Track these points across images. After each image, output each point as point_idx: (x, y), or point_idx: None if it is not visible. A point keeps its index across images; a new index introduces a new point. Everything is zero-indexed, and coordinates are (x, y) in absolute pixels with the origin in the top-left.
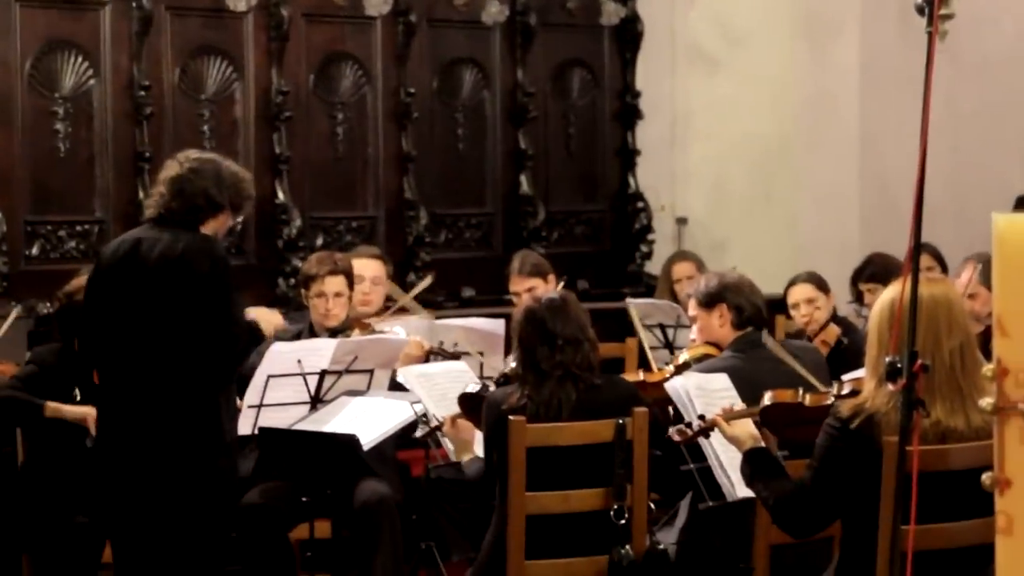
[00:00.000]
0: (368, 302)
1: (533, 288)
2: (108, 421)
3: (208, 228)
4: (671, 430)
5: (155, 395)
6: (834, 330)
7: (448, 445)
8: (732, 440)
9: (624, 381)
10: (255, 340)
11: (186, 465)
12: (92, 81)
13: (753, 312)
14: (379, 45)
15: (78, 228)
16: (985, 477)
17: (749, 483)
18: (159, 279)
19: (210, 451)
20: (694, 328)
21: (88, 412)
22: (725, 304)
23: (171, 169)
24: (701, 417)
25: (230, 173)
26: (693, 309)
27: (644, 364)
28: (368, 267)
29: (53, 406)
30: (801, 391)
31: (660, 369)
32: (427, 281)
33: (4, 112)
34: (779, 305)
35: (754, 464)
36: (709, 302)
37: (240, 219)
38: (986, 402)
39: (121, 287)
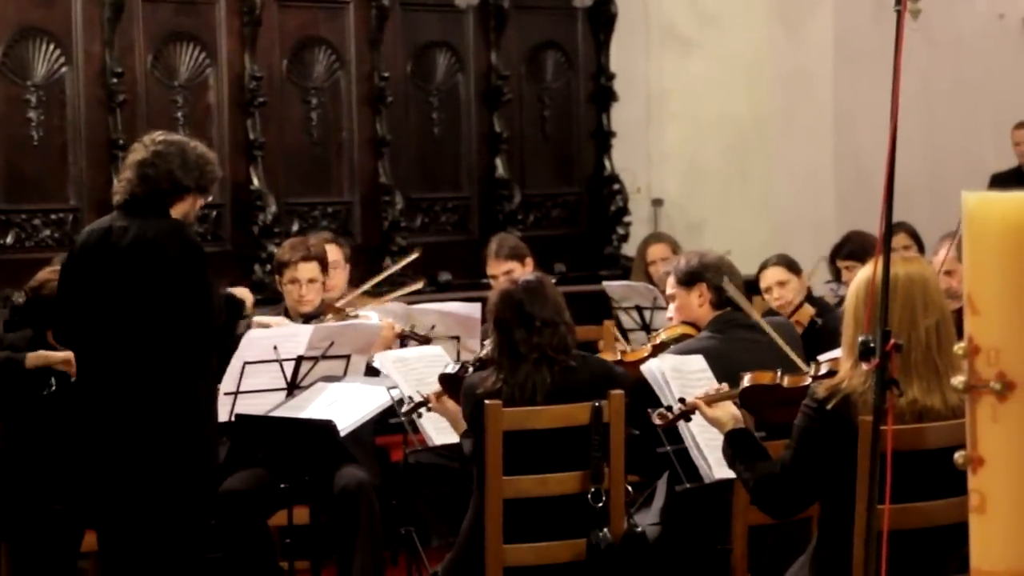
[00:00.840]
0: (331, 287)
1: (511, 271)
2: (86, 409)
3: (177, 211)
4: (652, 414)
5: (133, 383)
6: (808, 310)
7: (427, 430)
8: (713, 422)
9: (598, 359)
10: (236, 313)
11: (166, 453)
12: (64, 68)
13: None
14: (352, 29)
15: (52, 216)
16: (958, 456)
17: (731, 464)
18: (131, 266)
19: (190, 438)
20: (671, 307)
21: (70, 356)
22: (705, 284)
23: (137, 153)
24: (682, 400)
25: (196, 155)
26: (671, 287)
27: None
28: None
29: (35, 355)
30: (779, 372)
31: (637, 349)
32: (413, 255)
33: None
34: (755, 286)
35: (735, 445)
36: (688, 281)
37: (207, 200)
38: (958, 380)
39: (94, 275)
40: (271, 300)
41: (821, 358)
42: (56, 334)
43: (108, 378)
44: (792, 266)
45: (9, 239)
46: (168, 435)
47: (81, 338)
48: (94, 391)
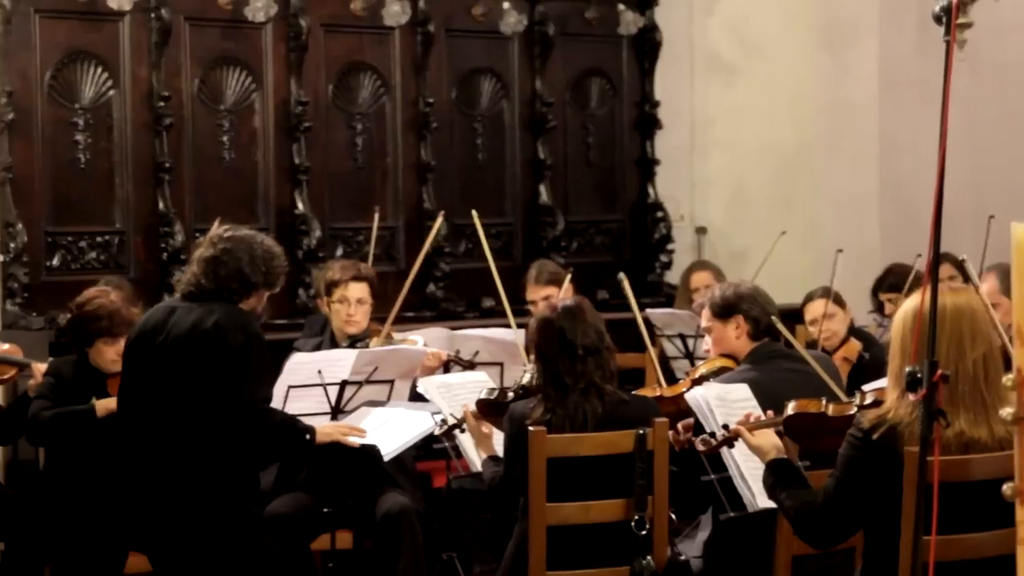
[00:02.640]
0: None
1: (550, 296)
2: (132, 432)
3: (245, 306)
4: (695, 440)
5: (183, 461)
6: (855, 345)
7: (469, 452)
8: (755, 450)
9: (652, 401)
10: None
11: (213, 475)
12: (112, 92)
13: (769, 323)
14: (398, 55)
15: (98, 239)
16: (1006, 488)
17: (771, 493)
18: (190, 349)
19: (234, 472)
20: (708, 339)
21: None
22: (741, 315)
23: (205, 249)
24: (725, 427)
25: (263, 250)
26: (707, 320)
27: (667, 374)
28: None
29: (102, 404)
30: (824, 401)
31: (677, 382)
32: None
33: (24, 123)
34: (799, 315)
35: (777, 474)
36: (724, 313)
37: (274, 292)
38: (1006, 412)
39: (152, 355)
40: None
41: (866, 388)
42: (119, 408)
43: (161, 452)
44: (837, 299)
45: (55, 261)
46: (214, 458)
47: (137, 413)
48: (146, 467)
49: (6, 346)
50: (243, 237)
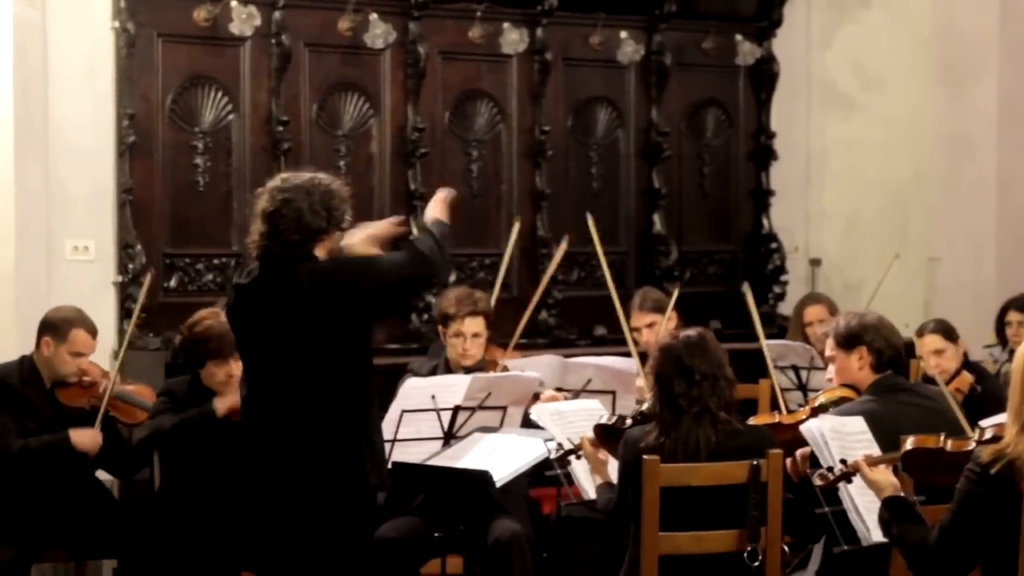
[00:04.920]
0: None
1: (654, 323)
2: (252, 459)
3: (320, 251)
4: (813, 474)
5: (297, 433)
6: (966, 378)
7: (582, 480)
8: (872, 485)
9: (766, 430)
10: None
11: (327, 508)
12: (231, 116)
13: (892, 355)
14: (514, 83)
15: (215, 261)
16: None
17: (887, 529)
18: (282, 312)
19: (351, 495)
20: (830, 369)
21: None
22: (865, 346)
23: (262, 201)
24: (843, 461)
25: (320, 193)
26: (831, 350)
27: (777, 406)
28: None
29: (221, 402)
30: (943, 437)
31: (795, 411)
32: (563, 247)
33: (145, 146)
34: (910, 349)
35: (893, 511)
36: (848, 343)
37: (347, 228)
38: None
39: (253, 320)
40: (423, 350)
41: (984, 423)
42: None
43: (273, 425)
44: (950, 333)
45: (172, 283)
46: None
47: (244, 383)
48: (259, 439)
49: (138, 387)
50: (299, 184)
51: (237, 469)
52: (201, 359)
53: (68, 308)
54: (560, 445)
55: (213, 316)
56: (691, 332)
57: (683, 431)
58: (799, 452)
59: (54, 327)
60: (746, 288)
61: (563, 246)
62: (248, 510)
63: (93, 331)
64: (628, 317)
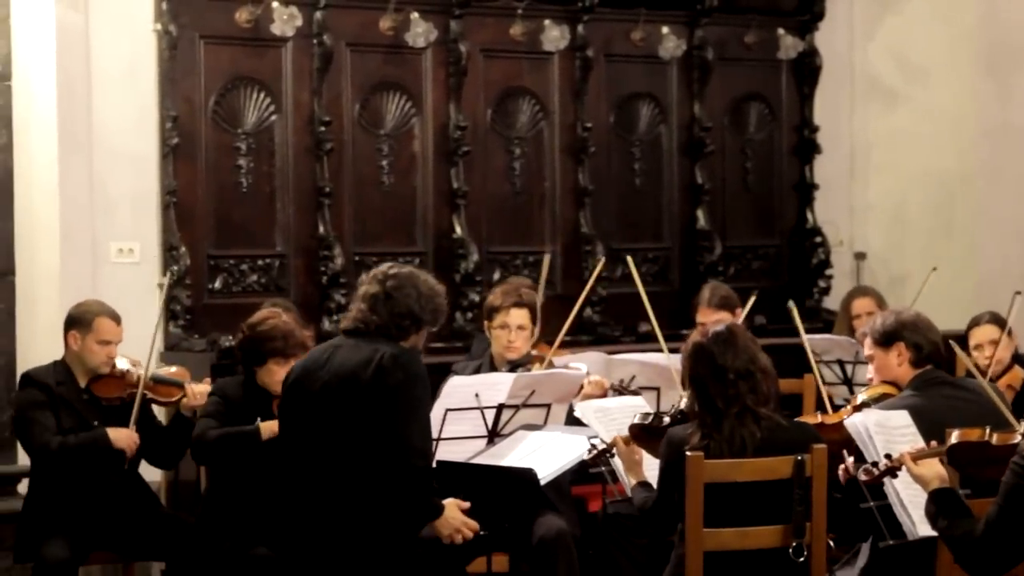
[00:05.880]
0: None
1: (720, 321)
2: (300, 515)
3: (408, 343)
4: (858, 469)
5: (343, 496)
6: (1018, 373)
7: (626, 480)
8: (918, 479)
9: (811, 428)
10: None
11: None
12: (274, 116)
13: (932, 350)
14: (556, 80)
15: (259, 262)
16: None
17: (934, 523)
18: (352, 385)
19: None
20: (870, 367)
21: None
22: (903, 343)
23: (371, 287)
24: (888, 456)
25: (428, 288)
26: (869, 348)
27: (821, 402)
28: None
29: (266, 427)
30: (988, 430)
31: (838, 410)
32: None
33: (188, 147)
34: (959, 342)
35: (940, 504)
36: (886, 341)
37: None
38: None
39: (314, 391)
40: (467, 349)
41: None
42: (280, 440)
43: (322, 488)
44: (1004, 325)
45: (217, 284)
46: (369, 504)
47: (299, 449)
48: (308, 496)
49: (174, 368)
50: (409, 274)
51: (282, 478)
52: (263, 357)
53: (88, 301)
54: (593, 446)
55: (275, 316)
56: (719, 327)
57: (726, 432)
58: (849, 461)
59: (77, 320)
60: (791, 306)
61: (599, 266)
62: (293, 517)
63: (116, 318)
64: (694, 312)
